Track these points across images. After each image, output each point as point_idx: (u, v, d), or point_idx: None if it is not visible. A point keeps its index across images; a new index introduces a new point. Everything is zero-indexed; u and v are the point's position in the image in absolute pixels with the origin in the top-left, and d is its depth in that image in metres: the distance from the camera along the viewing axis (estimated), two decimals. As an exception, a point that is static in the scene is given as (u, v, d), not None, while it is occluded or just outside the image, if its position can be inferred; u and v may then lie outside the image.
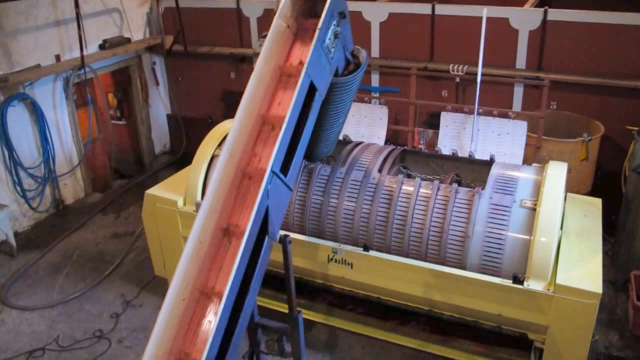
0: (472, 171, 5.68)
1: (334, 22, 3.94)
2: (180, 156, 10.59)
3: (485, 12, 6.50)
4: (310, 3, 4.08)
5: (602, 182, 7.40)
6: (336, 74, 4.19)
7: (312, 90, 3.74)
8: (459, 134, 6.64)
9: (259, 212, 3.25)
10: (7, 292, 6.91)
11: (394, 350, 5.71)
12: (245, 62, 9.61)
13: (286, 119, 3.41)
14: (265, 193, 3.29)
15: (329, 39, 3.89)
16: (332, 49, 3.95)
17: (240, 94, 9.64)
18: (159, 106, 10.63)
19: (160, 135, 10.80)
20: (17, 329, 6.30)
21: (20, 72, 7.88)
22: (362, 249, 5.10)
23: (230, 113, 9.76)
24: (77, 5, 8.14)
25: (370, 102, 7.10)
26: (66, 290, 6.95)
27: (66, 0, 8.31)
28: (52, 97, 8.52)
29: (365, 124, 6.90)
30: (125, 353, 5.90)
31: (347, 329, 5.73)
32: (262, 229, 3.36)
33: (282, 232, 3.74)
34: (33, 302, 6.72)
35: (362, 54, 4.40)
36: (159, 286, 6.77)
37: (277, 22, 3.86)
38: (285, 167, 3.52)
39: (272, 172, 3.34)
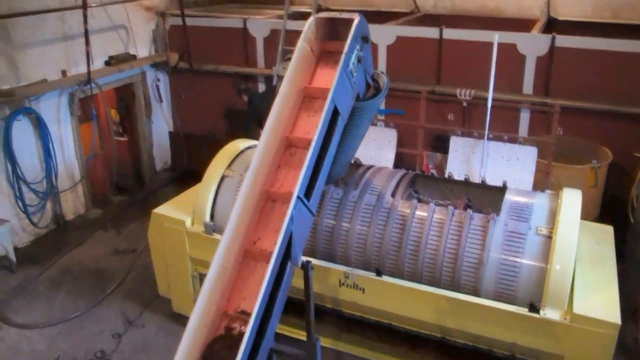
0: (483, 197, 5.65)
1: (357, 47, 3.93)
2: (181, 173, 10.52)
3: (496, 37, 6.54)
4: (332, 26, 4.08)
5: (609, 208, 7.40)
6: (357, 98, 4.17)
7: (335, 114, 3.72)
8: (468, 158, 6.64)
9: (284, 238, 3.20)
10: (6, 308, 6.78)
11: (403, 377, 5.62)
12: (250, 81, 9.59)
13: (312, 145, 3.37)
14: (290, 218, 3.24)
15: (353, 63, 3.88)
16: (355, 73, 3.94)
17: (244, 112, 9.70)
18: (161, 123, 10.58)
19: (161, 151, 10.74)
20: (16, 347, 6.17)
21: (27, 86, 7.83)
22: (374, 273, 5.05)
23: (233, 131, 9.78)
24: (85, 21, 8.11)
25: (376, 125, 7.10)
26: (66, 307, 6.82)
27: (74, 16, 8.28)
28: (56, 112, 8.46)
29: (374, 147, 6.90)
30: (128, 375, 5.80)
31: (356, 354, 5.65)
32: (286, 254, 3.30)
33: (304, 258, 3.70)
34: (33, 319, 6.59)
35: (383, 79, 4.40)
36: (162, 306, 6.65)
37: (301, 45, 3.85)
38: (308, 192, 3.48)
39: (298, 197, 3.30)
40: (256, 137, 8.21)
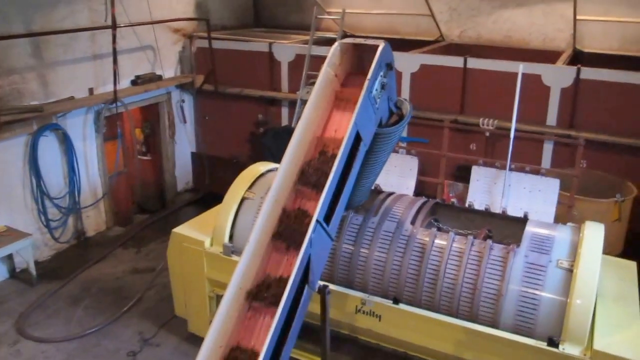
0: (504, 227, 5.60)
1: (381, 73, 3.95)
2: (202, 195, 10.60)
3: (521, 68, 6.54)
4: (357, 53, 4.11)
5: (633, 244, 7.27)
6: (380, 124, 4.18)
7: (357, 139, 3.73)
8: (490, 188, 6.59)
9: (302, 261, 3.19)
10: (24, 321, 6.83)
11: (417, 408, 5.52)
12: (274, 105, 9.69)
13: (333, 169, 3.39)
14: (309, 242, 3.24)
15: (376, 89, 3.90)
16: (378, 100, 3.96)
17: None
18: (184, 143, 10.70)
19: (183, 172, 10.85)
20: (32, 362, 6.21)
21: (55, 102, 8.02)
22: (392, 301, 5.00)
23: (256, 154, 9.85)
24: (114, 41, 8.29)
25: (398, 152, 7.09)
26: (84, 323, 6.86)
27: (104, 35, 8.47)
28: (82, 129, 8.62)
29: (395, 174, 6.89)
30: (141, 394, 5.78)
31: (370, 382, 5.58)
32: (303, 278, 3.29)
33: (321, 283, 3.68)
34: (50, 334, 6.64)
35: (406, 106, 4.41)
36: (178, 326, 6.65)
37: (325, 70, 3.89)
38: (328, 217, 3.48)
39: (317, 221, 3.30)
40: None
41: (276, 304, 3.08)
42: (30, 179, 7.85)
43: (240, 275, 3.30)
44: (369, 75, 3.74)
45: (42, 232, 8.17)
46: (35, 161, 7.77)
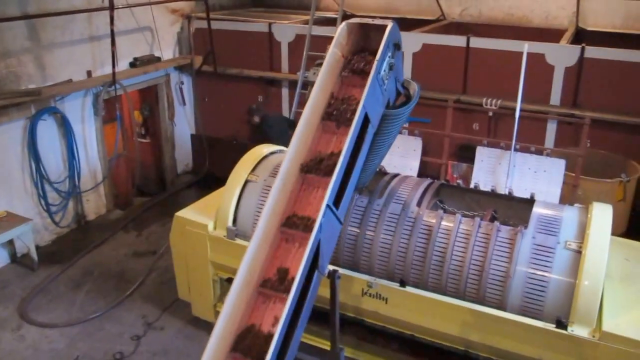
0: (510, 209, 5.55)
1: (389, 54, 3.87)
2: (202, 177, 10.54)
3: (526, 47, 6.45)
4: (364, 32, 4.03)
5: (637, 223, 7.25)
6: (387, 106, 4.11)
7: (365, 121, 3.66)
8: (494, 169, 6.56)
9: (311, 247, 3.15)
10: (27, 306, 6.81)
11: (423, 389, 5.53)
12: (274, 86, 9.59)
13: (343, 153, 3.33)
14: (319, 227, 3.19)
15: (384, 70, 3.82)
16: (386, 81, 3.88)
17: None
18: (183, 125, 10.61)
19: (183, 154, 10.77)
20: (36, 346, 6.18)
21: (53, 86, 7.91)
22: (398, 284, 4.97)
23: (255, 136, 9.76)
24: (111, 22, 8.15)
25: (401, 132, 7.02)
26: (86, 307, 6.84)
27: (101, 17, 8.34)
28: (81, 112, 8.52)
29: (398, 155, 6.84)
30: (146, 378, 5.78)
31: (376, 364, 5.58)
32: (313, 263, 3.25)
33: (331, 267, 3.64)
34: (53, 318, 6.62)
35: (413, 87, 4.33)
36: (182, 309, 6.64)
37: (332, 51, 3.80)
38: (337, 201, 3.42)
39: (327, 205, 3.24)
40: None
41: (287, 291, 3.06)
42: (29, 164, 7.76)
43: (248, 261, 3.25)
44: (377, 56, 3.66)
45: (43, 216, 8.11)
46: (34, 145, 7.68)
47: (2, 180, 7.53)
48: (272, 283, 3.28)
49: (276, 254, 3.42)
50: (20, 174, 7.73)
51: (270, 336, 3.04)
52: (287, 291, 3.05)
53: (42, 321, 6.56)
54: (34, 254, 7.56)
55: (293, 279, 3.09)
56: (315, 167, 3.57)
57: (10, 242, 7.62)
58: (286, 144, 8.33)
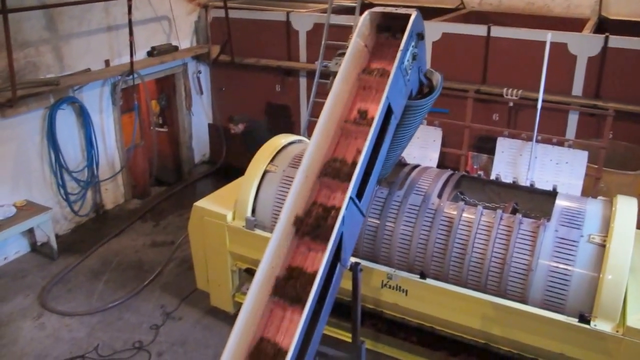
0: (531, 201, 5.49)
1: (413, 44, 3.82)
2: (219, 167, 10.54)
3: (549, 36, 6.34)
4: (386, 21, 3.97)
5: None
6: (409, 97, 4.05)
7: (388, 112, 3.61)
8: (515, 160, 6.48)
9: (334, 239, 3.12)
10: (47, 295, 6.86)
11: (442, 382, 5.50)
12: (292, 76, 9.54)
13: (366, 145, 3.28)
14: (342, 219, 3.15)
15: (407, 60, 3.77)
16: (409, 71, 3.83)
17: (285, 107, 9.63)
18: (201, 115, 10.60)
19: (200, 144, 10.77)
20: (56, 335, 6.24)
21: (71, 75, 7.91)
22: (418, 276, 4.94)
23: (273, 126, 9.74)
24: (129, 12, 8.14)
25: (421, 123, 6.95)
26: (105, 297, 6.88)
27: (118, 6, 8.33)
28: (99, 102, 8.54)
29: (417, 146, 6.78)
30: (165, 367, 5.80)
31: (394, 356, 5.55)
32: (335, 256, 3.22)
33: (353, 260, 3.61)
34: (73, 307, 6.67)
35: (436, 77, 4.27)
36: (200, 299, 6.66)
37: (355, 41, 3.75)
38: (360, 193, 3.39)
39: (350, 198, 3.21)
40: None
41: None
42: (48, 153, 7.80)
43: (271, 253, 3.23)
44: (401, 46, 3.61)
45: (62, 205, 8.16)
46: (53, 135, 7.72)
47: (22, 169, 7.57)
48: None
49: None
50: (40, 163, 7.78)
51: (295, 323, 3.03)
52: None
53: (62, 310, 6.61)
54: (54, 243, 7.62)
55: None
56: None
57: (30, 231, 7.68)
58: None
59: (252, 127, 8.63)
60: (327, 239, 3.11)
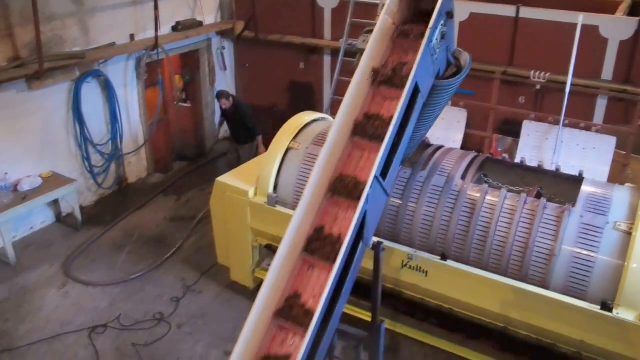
0: (556, 186, 5.42)
1: (442, 22, 3.75)
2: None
3: (581, 19, 6.20)
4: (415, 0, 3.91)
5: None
6: (437, 76, 4.00)
7: (415, 92, 3.57)
8: (541, 144, 6.39)
9: (358, 218, 3.11)
10: (71, 265, 6.98)
11: (458, 364, 5.52)
12: (316, 53, 9.47)
13: (392, 125, 3.25)
14: (366, 198, 3.14)
15: (436, 39, 3.71)
16: (438, 50, 3.77)
17: (308, 85, 9.56)
18: (224, 91, 10.58)
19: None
20: (80, 304, 6.36)
21: (97, 49, 7.95)
22: (439, 257, 4.92)
23: (295, 103, 9.71)
24: (155, -14, 8.13)
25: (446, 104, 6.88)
26: (127, 268, 6.98)
27: (144, -20, 8.32)
28: (123, 76, 8.58)
29: (442, 127, 6.71)
30: (184, 339, 5.88)
31: (412, 336, 5.58)
32: (358, 234, 3.22)
33: (375, 239, 3.61)
34: (96, 277, 6.78)
35: (464, 57, 4.21)
36: (220, 274, 6.73)
37: (383, 18, 3.70)
38: (384, 172, 3.37)
39: (375, 177, 3.19)
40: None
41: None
42: (74, 126, 7.88)
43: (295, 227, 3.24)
44: (430, 24, 3.55)
45: (86, 177, 8.26)
46: (78, 108, 7.78)
47: (48, 141, 7.66)
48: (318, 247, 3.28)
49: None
50: (65, 135, 7.86)
51: (313, 307, 3.04)
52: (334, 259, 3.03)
53: (85, 279, 6.72)
54: (78, 214, 7.73)
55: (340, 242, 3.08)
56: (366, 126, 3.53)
57: (56, 202, 7.80)
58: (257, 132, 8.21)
59: (241, 105, 8.49)
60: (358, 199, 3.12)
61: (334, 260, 3.05)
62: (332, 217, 3.34)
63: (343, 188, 3.39)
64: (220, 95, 8.25)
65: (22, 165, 7.36)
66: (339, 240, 3.18)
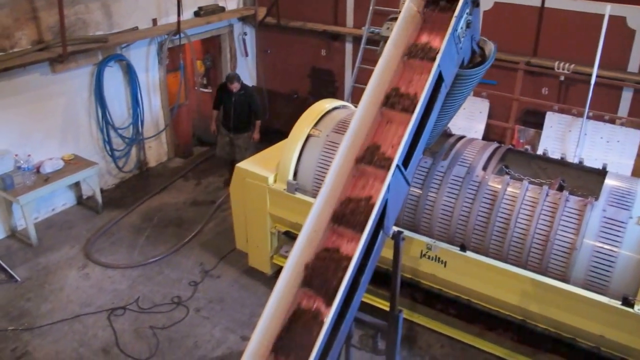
0: (579, 178, 5.35)
1: (467, 10, 3.70)
2: (262, 130, 10.53)
3: (608, 9, 6.08)
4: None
5: None
6: (461, 65, 3.96)
7: (439, 81, 3.53)
8: (564, 136, 6.31)
9: (379, 207, 3.10)
10: (91, 247, 7.07)
11: (475, 355, 5.48)
12: (338, 40, 9.42)
13: (415, 113, 3.23)
14: (387, 187, 3.13)
15: (461, 27, 3.66)
16: (462, 39, 3.73)
17: (329, 72, 9.50)
18: (245, 77, 10.47)
19: (243, 106, 10.77)
20: (99, 285, 6.44)
21: (119, 33, 7.98)
22: (458, 248, 4.90)
23: (316, 90, 9.68)
24: (178, -29, 8.13)
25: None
26: (146, 252, 7.05)
27: (167, -35, 8.32)
28: (145, 60, 8.61)
29: (463, 117, 6.65)
30: (202, 323, 5.93)
31: (429, 326, 5.57)
32: (378, 223, 3.20)
33: (395, 228, 3.59)
34: (115, 260, 6.86)
35: (489, 47, 4.16)
36: (238, 259, 6.77)
37: (408, 5, 3.66)
38: (406, 161, 3.35)
39: (397, 166, 3.17)
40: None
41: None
42: (95, 109, 7.95)
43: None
44: (456, 12, 3.50)
45: (107, 161, 8.33)
46: (100, 92, 7.84)
47: (70, 124, 7.74)
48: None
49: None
50: (87, 119, 7.93)
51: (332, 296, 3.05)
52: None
53: (105, 262, 6.81)
54: (99, 197, 7.81)
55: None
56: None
57: (77, 185, 7.89)
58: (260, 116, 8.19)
59: (248, 89, 8.28)
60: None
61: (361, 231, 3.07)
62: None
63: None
64: (233, 77, 7.97)
65: (45, 147, 7.45)
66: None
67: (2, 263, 6.52)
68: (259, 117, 8.28)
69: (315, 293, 3.16)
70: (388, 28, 3.68)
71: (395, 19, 3.71)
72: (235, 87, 7.92)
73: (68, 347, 5.58)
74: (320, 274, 3.20)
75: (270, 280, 6.38)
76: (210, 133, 8.82)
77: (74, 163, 7.54)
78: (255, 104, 8.24)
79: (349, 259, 3.05)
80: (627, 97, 7.45)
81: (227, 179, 8.02)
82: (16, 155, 7.02)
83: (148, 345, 5.62)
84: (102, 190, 8.06)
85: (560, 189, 5.00)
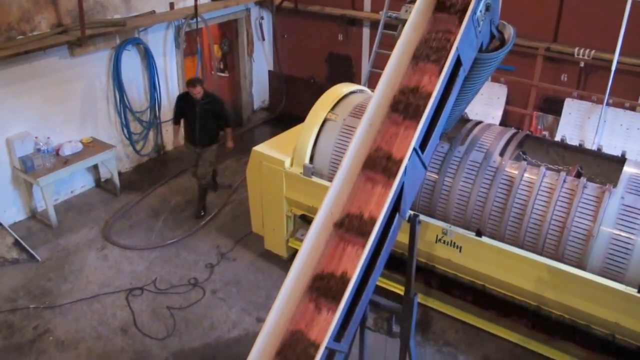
0: (597, 166, 5.31)
1: (487, -6, 3.67)
2: (278, 114, 10.58)
3: (631, -6, 5.98)
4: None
5: None
6: (479, 49, 3.93)
7: (457, 64, 3.51)
8: (583, 123, 6.25)
9: (395, 189, 3.11)
10: (110, 229, 7.16)
11: (489, 341, 5.50)
12: (355, 25, 9.37)
13: (433, 97, 3.22)
14: (404, 171, 3.14)
15: (480, 11, 3.63)
16: (481, 22, 3.70)
17: (347, 57, 9.45)
18: (261, 62, 10.60)
19: (260, 90, 10.81)
20: (118, 266, 6.53)
21: (137, 17, 8.02)
22: (474, 233, 4.90)
23: (333, 75, 9.65)
24: (195, -46, 8.13)
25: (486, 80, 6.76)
26: (164, 234, 7.13)
27: (185, -52, 8.32)
28: (163, 45, 8.64)
29: (481, 102, 6.61)
30: (218, 304, 6.00)
31: (443, 311, 5.59)
32: (395, 206, 3.22)
33: (411, 212, 3.60)
34: (133, 242, 6.95)
35: (509, 31, 4.12)
36: (254, 242, 6.82)
37: (427, -11, 3.63)
38: (423, 145, 3.35)
39: (414, 149, 3.18)
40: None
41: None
42: (113, 93, 8.01)
43: (330, 201, 3.26)
44: (475, -5, 3.48)
45: (125, 144, 8.41)
46: (118, 75, 7.89)
47: (89, 107, 7.81)
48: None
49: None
50: (105, 102, 8.00)
51: (347, 278, 3.07)
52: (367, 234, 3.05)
53: (123, 243, 6.90)
54: (117, 180, 7.89)
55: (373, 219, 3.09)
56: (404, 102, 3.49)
57: (95, 167, 7.99)
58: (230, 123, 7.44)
59: (210, 95, 7.29)
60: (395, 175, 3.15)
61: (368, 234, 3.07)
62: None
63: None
64: (196, 81, 7.06)
65: (64, 130, 7.54)
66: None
67: (23, 243, 6.64)
68: (229, 124, 7.52)
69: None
70: (407, 11, 3.65)
71: (414, 1, 3.68)
72: (198, 91, 6.98)
73: (87, 326, 5.68)
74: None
75: (286, 263, 6.43)
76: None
77: (93, 146, 7.62)
78: (224, 111, 7.41)
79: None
80: (648, 84, 7.35)
81: (201, 204, 7.51)
82: (36, 137, 7.10)
83: (165, 325, 5.71)
84: (119, 173, 8.14)
85: (578, 175, 4.97)
